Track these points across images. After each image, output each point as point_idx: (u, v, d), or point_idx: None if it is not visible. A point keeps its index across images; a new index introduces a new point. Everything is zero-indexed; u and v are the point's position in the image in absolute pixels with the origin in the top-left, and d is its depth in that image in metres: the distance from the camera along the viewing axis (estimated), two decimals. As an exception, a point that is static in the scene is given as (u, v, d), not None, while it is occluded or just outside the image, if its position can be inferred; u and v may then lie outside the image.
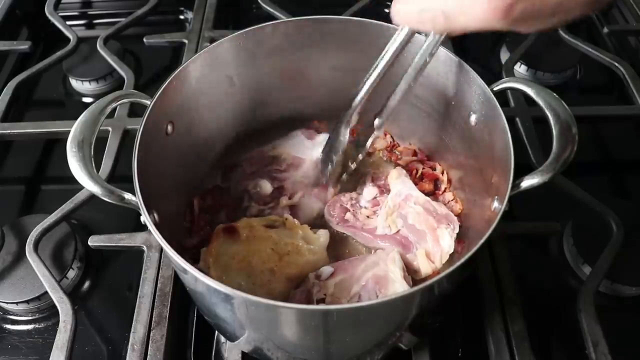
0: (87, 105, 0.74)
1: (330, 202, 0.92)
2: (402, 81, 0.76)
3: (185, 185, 0.90)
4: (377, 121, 0.80)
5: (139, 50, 1.36)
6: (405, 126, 0.99)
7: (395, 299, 0.60)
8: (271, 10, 1.28)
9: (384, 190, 0.91)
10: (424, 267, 0.83)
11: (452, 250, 0.83)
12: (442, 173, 0.95)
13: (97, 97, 1.24)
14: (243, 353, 0.80)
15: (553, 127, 0.70)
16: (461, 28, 0.55)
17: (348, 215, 0.89)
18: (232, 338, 0.78)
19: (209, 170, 0.96)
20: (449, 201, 0.92)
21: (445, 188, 0.94)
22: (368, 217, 0.89)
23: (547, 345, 0.85)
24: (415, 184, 0.91)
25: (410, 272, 0.83)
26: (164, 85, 0.78)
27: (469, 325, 0.86)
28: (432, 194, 0.93)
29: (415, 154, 0.99)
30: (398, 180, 0.90)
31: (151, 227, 0.64)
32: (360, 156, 0.87)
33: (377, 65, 0.76)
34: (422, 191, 0.90)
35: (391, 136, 1.02)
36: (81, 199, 0.93)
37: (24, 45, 1.31)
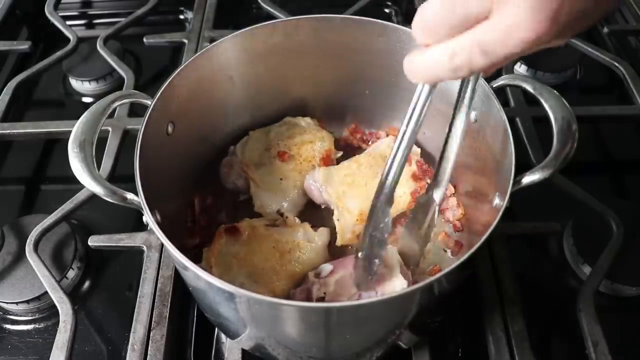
0: (87, 105, 0.74)
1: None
2: (452, 144, 0.70)
3: (186, 185, 0.91)
4: (436, 194, 0.72)
5: (139, 50, 1.36)
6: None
7: (395, 297, 0.60)
8: (271, 9, 1.28)
9: None
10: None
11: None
12: None
13: (97, 97, 1.24)
14: (243, 352, 0.80)
15: (553, 124, 0.70)
16: (503, 58, 0.45)
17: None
18: (233, 335, 0.78)
19: (209, 169, 0.96)
20: (452, 206, 0.92)
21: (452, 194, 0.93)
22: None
23: (547, 345, 0.85)
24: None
25: None
26: (165, 85, 0.78)
27: (469, 325, 0.86)
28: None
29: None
30: None
31: (154, 227, 0.64)
32: (429, 238, 0.77)
33: (404, 133, 0.61)
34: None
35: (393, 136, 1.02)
36: (81, 199, 0.93)
37: (24, 45, 1.31)
